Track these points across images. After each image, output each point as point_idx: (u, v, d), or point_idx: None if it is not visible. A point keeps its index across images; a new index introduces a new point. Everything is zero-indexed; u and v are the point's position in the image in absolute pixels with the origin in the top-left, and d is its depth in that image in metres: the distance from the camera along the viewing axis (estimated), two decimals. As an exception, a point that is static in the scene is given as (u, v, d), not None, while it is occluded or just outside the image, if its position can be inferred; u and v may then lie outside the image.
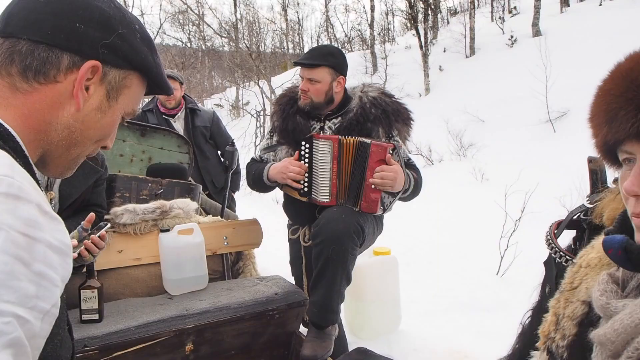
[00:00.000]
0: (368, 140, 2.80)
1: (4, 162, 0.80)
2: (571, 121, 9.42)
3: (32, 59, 0.93)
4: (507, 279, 4.69)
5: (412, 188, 2.93)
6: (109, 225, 2.36)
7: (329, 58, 2.96)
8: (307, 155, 2.91)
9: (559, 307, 1.23)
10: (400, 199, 2.97)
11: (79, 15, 0.96)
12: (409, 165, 3.02)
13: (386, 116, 2.93)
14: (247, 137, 14.82)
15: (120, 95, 1.03)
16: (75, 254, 2.20)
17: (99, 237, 2.31)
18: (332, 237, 2.72)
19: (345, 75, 3.03)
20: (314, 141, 2.90)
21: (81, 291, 2.32)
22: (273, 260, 4.73)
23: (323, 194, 2.92)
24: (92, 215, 2.26)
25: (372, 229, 2.97)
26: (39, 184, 0.89)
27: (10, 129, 0.90)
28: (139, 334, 2.28)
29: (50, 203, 2.54)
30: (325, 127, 3.03)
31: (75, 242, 2.20)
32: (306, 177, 2.92)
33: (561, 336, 1.19)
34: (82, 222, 2.25)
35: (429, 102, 14.56)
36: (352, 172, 2.86)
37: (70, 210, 2.65)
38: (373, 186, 2.78)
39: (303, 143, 2.92)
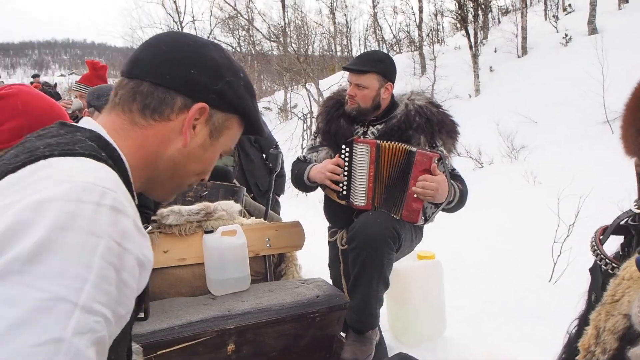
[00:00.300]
0: (414, 149, 2.77)
1: (111, 178, 0.91)
2: (629, 122, 9.08)
3: (152, 99, 1.07)
4: (560, 286, 4.54)
5: (457, 200, 2.88)
6: (149, 228, 2.41)
7: (378, 64, 2.95)
8: (347, 158, 2.91)
9: (599, 320, 1.20)
10: (443, 210, 2.92)
11: (194, 62, 1.09)
12: (454, 175, 2.98)
13: (430, 125, 2.91)
14: (293, 140, 14.88)
15: (222, 136, 1.15)
16: None
17: None
18: (367, 241, 2.72)
19: (393, 82, 3.02)
20: (354, 145, 2.89)
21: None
22: (317, 262, 4.73)
23: (359, 197, 2.92)
24: None
25: (410, 236, 2.94)
26: (136, 203, 0.99)
27: (123, 155, 1.02)
28: (182, 333, 2.31)
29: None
30: (369, 132, 3.03)
31: None
32: (345, 180, 2.92)
33: (602, 350, 1.17)
34: None
35: (479, 104, 14.33)
36: (392, 177, 2.84)
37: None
38: (415, 195, 2.75)
39: (343, 147, 2.92)
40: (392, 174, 2.84)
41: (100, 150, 0.96)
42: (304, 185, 3.12)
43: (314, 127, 3.32)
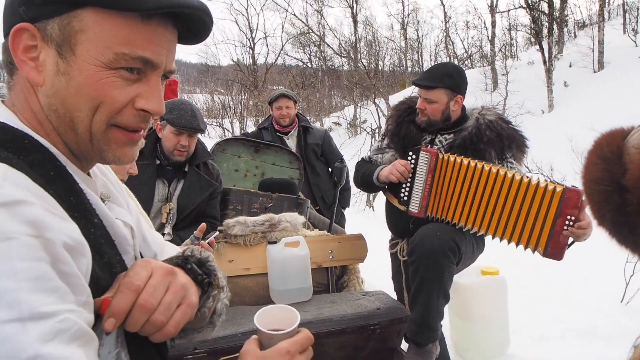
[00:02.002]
0: (561, 187, 2.65)
1: None
2: None
3: (2, 53, 0.89)
4: (632, 307, 4.37)
5: None
6: (217, 233, 2.50)
7: (445, 79, 2.96)
8: (412, 166, 2.93)
9: None
10: None
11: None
12: None
13: (500, 140, 2.90)
14: (361, 155, 14.92)
15: (77, 45, 0.83)
16: None
17: (208, 243, 2.46)
18: (426, 254, 2.72)
19: (463, 94, 3.02)
20: (421, 153, 2.91)
21: (198, 298, 2.48)
22: (382, 276, 4.74)
23: (414, 204, 2.95)
24: (203, 225, 2.42)
25: (471, 248, 2.92)
26: (63, 180, 0.85)
27: (33, 134, 0.85)
28: (245, 340, 2.38)
29: (169, 214, 2.74)
30: (436, 140, 3.04)
31: None
32: (408, 186, 2.94)
33: None
34: (195, 232, 2.41)
35: (552, 119, 13.97)
36: (456, 190, 2.83)
37: (187, 220, 2.84)
38: (565, 232, 2.63)
39: (410, 153, 2.95)
40: (458, 187, 2.82)
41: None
42: (371, 184, 3.15)
43: (382, 130, 3.35)
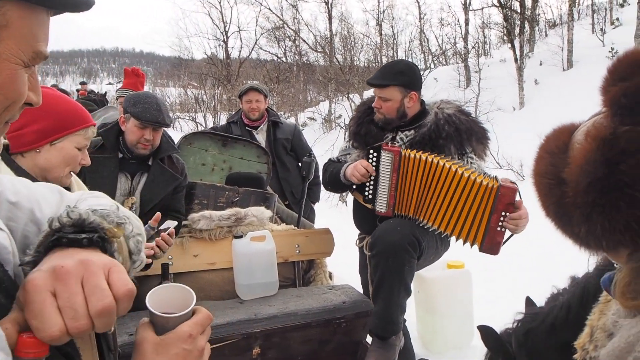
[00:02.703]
0: (497, 183, 2.73)
1: None
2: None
3: None
4: (595, 300, 4.46)
5: None
6: (175, 223, 2.48)
7: (398, 77, 2.99)
8: (374, 163, 2.95)
9: (594, 319, 1.23)
10: None
11: None
12: None
13: (458, 134, 2.93)
14: (334, 151, 14.94)
15: None
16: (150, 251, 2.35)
17: (168, 234, 2.45)
18: (387, 248, 2.75)
19: (418, 90, 3.04)
20: (381, 151, 2.93)
21: (156, 293, 2.45)
22: (351, 270, 4.75)
23: (381, 204, 2.97)
24: (158, 214, 2.41)
25: (434, 243, 2.96)
26: None
27: None
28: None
29: (131, 208, 2.71)
30: (397, 137, 3.06)
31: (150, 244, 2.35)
32: (372, 184, 2.95)
33: (594, 347, 1.19)
34: (149, 221, 2.39)
35: (523, 116, 14.13)
36: (421, 188, 2.85)
37: (151, 215, 2.80)
38: (499, 229, 2.73)
39: (371, 152, 2.96)
40: (423, 184, 2.85)
41: None
42: (339, 183, 3.15)
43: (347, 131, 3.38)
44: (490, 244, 2.77)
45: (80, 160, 1.96)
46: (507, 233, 2.76)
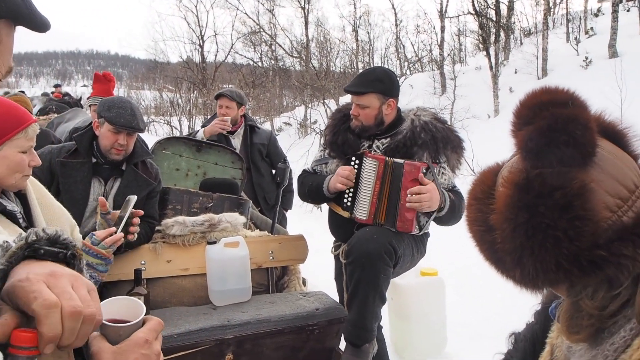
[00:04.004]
0: (401, 160, 2.84)
1: None
2: (646, 146, 9.02)
3: None
4: (565, 306, 4.52)
5: (448, 209, 2.90)
6: (135, 197, 2.45)
7: (375, 84, 2.99)
8: (356, 170, 2.95)
9: (553, 337, 1.25)
10: (436, 219, 2.96)
11: None
12: (454, 191, 3.02)
13: (434, 142, 2.94)
14: (309, 156, 14.94)
15: None
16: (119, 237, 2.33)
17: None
18: (363, 257, 2.76)
19: (395, 97, 3.05)
20: (364, 159, 2.93)
21: (128, 298, 2.43)
22: (325, 277, 4.76)
23: (362, 211, 2.96)
24: (101, 199, 2.40)
25: (410, 251, 2.97)
26: None
27: None
28: (181, 341, 2.36)
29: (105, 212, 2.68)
30: (374, 145, 3.06)
31: (112, 229, 2.32)
32: (351, 192, 2.96)
33: None
34: (98, 209, 2.39)
35: (498, 123, 14.27)
36: (390, 192, 2.88)
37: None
38: (408, 205, 2.80)
39: (353, 159, 2.96)
40: (390, 189, 2.89)
41: None
42: (321, 196, 3.13)
43: (322, 140, 3.37)
44: (403, 222, 2.86)
45: (29, 163, 1.83)
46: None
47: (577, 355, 1.10)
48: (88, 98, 5.59)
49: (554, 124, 1.02)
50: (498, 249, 1.08)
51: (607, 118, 1.16)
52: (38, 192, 1.09)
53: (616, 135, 1.12)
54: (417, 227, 2.89)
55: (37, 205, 1.44)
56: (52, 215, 1.13)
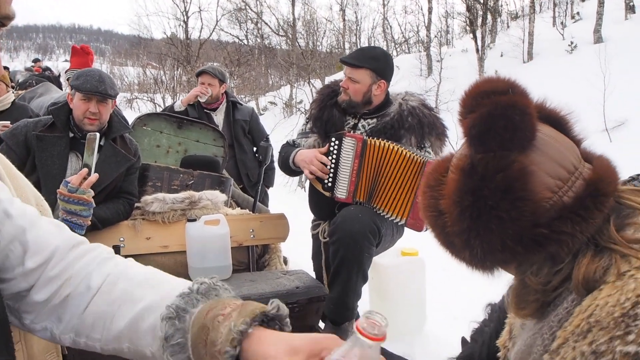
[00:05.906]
0: (424, 158, 2.81)
1: None
2: (629, 131, 9.11)
3: None
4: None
5: None
6: (97, 134, 2.43)
7: (371, 62, 3.00)
8: (335, 151, 2.93)
9: (511, 317, 1.32)
10: None
11: None
12: None
13: (420, 127, 2.96)
14: (294, 135, 14.88)
15: None
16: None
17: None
18: (347, 235, 2.76)
19: (387, 80, 3.05)
20: (343, 139, 2.92)
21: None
22: (307, 255, 4.76)
23: (341, 190, 2.94)
24: (71, 178, 2.36)
25: (391, 231, 2.98)
26: None
27: None
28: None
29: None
30: (359, 124, 3.06)
31: (84, 171, 2.34)
32: (332, 172, 2.95)
33: (512, 344, 1.28)
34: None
35: (482, 107, 14.34)
36: (382, 175, 2.87)
37: (102, 196, 2.75)
38: None
39: (333, 139, 2.95)
40: (381, 172, 2.87)
41: None
42: (289, 168, 3.16)
43: (308, 114, 3.37)
44: (414, 219, 2.85)
45: None
46: None
47: (527, 330, 1.17)
48: (66, 72, 5.51)
49: (494, 111, 1.07)
50: (448, 232, 1.14)
51: (549, 105, 1.24)
52: (1, 162, 1.06)
53: (558, 121, 1.20)
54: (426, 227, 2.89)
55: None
56: (16, 184, 1.09)
